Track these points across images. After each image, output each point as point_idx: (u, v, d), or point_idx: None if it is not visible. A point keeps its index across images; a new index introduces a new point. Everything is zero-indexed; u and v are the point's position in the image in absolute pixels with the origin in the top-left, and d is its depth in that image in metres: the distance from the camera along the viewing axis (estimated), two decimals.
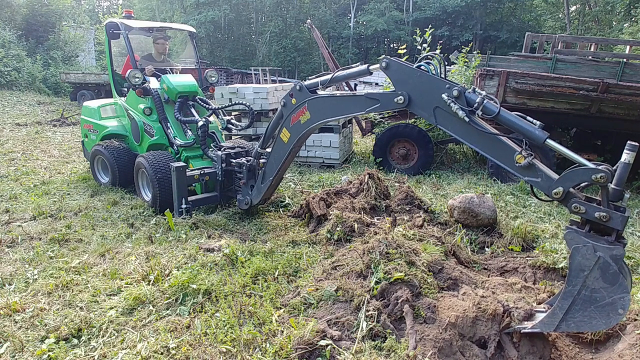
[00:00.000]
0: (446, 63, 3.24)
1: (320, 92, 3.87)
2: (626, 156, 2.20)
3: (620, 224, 2.22)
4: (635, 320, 2.76)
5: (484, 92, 2.72)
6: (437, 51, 8.90)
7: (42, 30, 22.58)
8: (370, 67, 3.46)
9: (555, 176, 2.44)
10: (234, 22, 38.94)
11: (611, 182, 2.24)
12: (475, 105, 2.68)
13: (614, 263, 2.18)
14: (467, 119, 2.70)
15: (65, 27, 24.07)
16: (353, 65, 3.75)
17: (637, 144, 2.23)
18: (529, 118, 2.60)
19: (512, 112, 2.66)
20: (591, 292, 2.24)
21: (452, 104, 2.73)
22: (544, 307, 2.61)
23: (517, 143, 2.61)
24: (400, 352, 2.48)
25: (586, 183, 2.34)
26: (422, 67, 3.06)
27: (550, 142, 2.49)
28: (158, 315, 2.94)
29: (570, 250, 2.31)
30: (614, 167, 2.25)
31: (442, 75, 3.06)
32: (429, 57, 3.16)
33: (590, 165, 2.30)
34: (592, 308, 2.25)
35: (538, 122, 2.55)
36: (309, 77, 3.99)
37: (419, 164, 7.31)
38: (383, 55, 3.21)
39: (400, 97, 3.05)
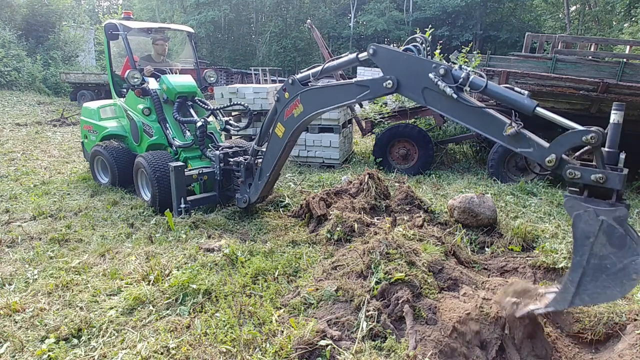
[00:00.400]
0: (429, 43, 3.26)
1: (311, 84, 3.89)
2: (614, 116, 2.18)
3: (619, 183, 2.15)
4: (635, 320, 2.77)
5: (469, 68, 2.74)
6: (437, 51, 8.94)
7: (42, 30, 22.57)
8: (359, 55, 3.47)
9: (547, 144, 2.39)
10: (234, 22, 38.94)
11: (604, 146, 2.19)
12: (461, 80, 2.69)
13: (618, 225, 2.08)
14: (455, 96, 2.71)
15: (65, 27, 24.07)
16: (342, 55, 3.77)
17: (623, 103, 2.22)
18: (516, 88, 2.58)
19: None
20: (600, 259, 2.11)
21: (439, 82, 2.75)
22: (555, 287, 2.45)
23: (506, 116, 2.58)
24: (401, 352, 2.48)
25: (582, 151, 2.29)
26: (409, 51, 3.08)
27: (540, 110, 2.46)
28: (158, 315, 2.94)
29: (572, 218, 2.20)
30: (605, 130, 2.20)
31: (428, 57, 3.06)
32: (414, 39, 3.18)
33: (580, 127, 2.25)
34: (604, 277, 2.12)
35: (526, 92, 2.53)
36: (301, 71, 4.00)
37: (419, 164, 7.31)
38: (371, 44, 3.23)
39: (389, 81, 3.07)
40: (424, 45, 3.12)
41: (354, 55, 3.54)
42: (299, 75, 3.92)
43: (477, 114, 2.70)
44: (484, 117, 2.67)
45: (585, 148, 2.28)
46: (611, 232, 2.09)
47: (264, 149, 4.61)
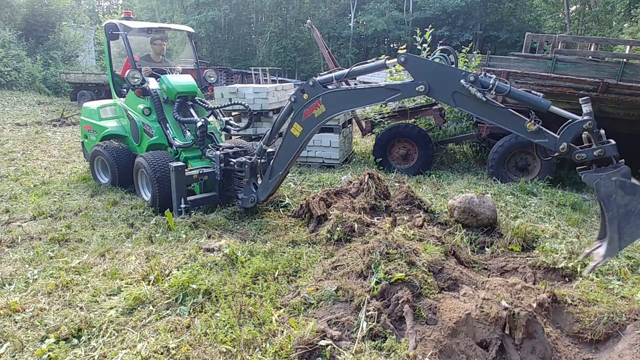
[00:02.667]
0: (456, 56, 3.71)
1: (330, 86, 4.02)
2: (586, 108, 2.94)
3: (613, 151, 2.85)
4: (635, 320, 2.77)
5: (494, 76, 3.25)
6: (437, 51, 8.93)
7: (42, 30, 22.56)
8: (387, 62, 3.73)
9: (558, 135, 3.02)
10: (234, 22, 38.94)
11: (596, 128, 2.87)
12: (490, 86, 3.20)
13: (627, 178, 2.77)
14: (484, 99, 3.20)
15: (65, 27, 24.05)
16: (369, 60, 3.95)
17: (588, 97, 2.94)
18: (533, 91, 3.18)
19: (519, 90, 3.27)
20: (625, 207, 2.76)
21: (470, 88, 3.22)
22: (597, 244, 3.02)
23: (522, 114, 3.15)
24: (401, 352, 2.48)
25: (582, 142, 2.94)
26: (437, 60, 3.50)
27: (554, 108, 3.07)
28: (158, 315, 2.94)
29: (594, 187, 2.87)
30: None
31: (455, 65, 3.52)
32: (444, 50, 3.60)
33: (579, 118, 2.95)
34: (633, 218, 2.77)
35: (541, 94, 3.14)
36: (321, 73, 4.09)
37: (419, 164, 7.31)
38: (401, 51, 3.60)
39: (422, 86, 3.45)
40: (451, 55, 3.55)
41: (381, 61, 3.81)
42: (319, 78, 4.04)
43: (503, 113, 3.24)
44: (509, 116, 3.22)
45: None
46: (624, 185, 2.76)
47: (271, 149, 4.68)
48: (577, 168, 3.04)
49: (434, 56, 3.58)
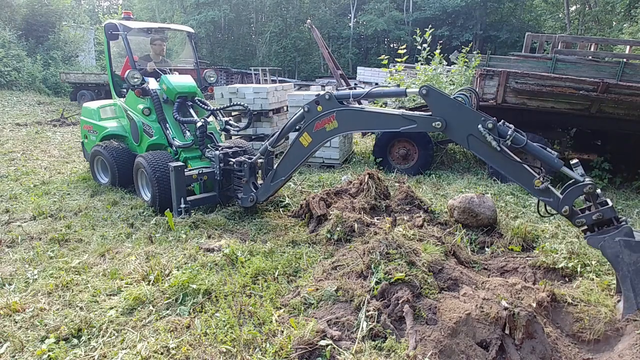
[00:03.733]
0: (478, 97, 3.65)
1: (346, 103, 4.02)
2: (579, 171, 2.98)
3: (612, 212, 2.90)
4: (635, 320, 2.77)
5: (512, 126, 3.17)
6: (437, 51, 8.94)
7: (42, 30, 22.56)
8: (407, 90, 3.79)
9: (561, 196, 3.03)
10: (234, 22, 38.95)
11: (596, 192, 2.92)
12: (508, 137, 3.13)
13: (629, 237, 2.79)
14: (499, 149, 3.14)
15: (65, 27, 24.05)
16: (390, 85, 3.97)
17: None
18: (548, 149, 3.17)
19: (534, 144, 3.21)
20: (634, 264, 2.76)
21: (487, 135, 3.15)
22: (617, 299, 3.08)
23: (532, 169, 3.17)
24: (401, 352, 2.48)
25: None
26: (459, 98, 3.46)
27: (564, 169, 3.08)
28: (158, 315, 2.94)
29: (600, 249, 2.90)
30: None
31: (474, 107, 3.49)
32: (469, 89, 3.58)
33: (581, 181, 2.97)
34: None
35: (555, 153, 3.14)
36: (339, 88, 4.10)
37: (419, 164, 7.31)
38: (423, 85, 3.55)
39: (439, 122, 3.36)
40: (473, 96, 3.55)
41: (402, 89, 3.92)
42: (337, 92, 4.02)
43: (515, 166, 3.19)
44: (520, 170, 3.18)
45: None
46: (629, 244, 2.77)
47: (275, 150, 4.72)
48: (582, 230, 3.06)
49: (456, 93, 3.56)
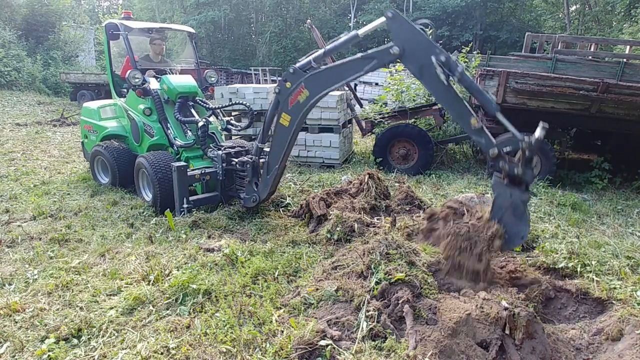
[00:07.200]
0: (435, 31, 3.69)
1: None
2: (539, 132, 2.95)
3: (530, 179, 3.02)
4: (636, 318, 2.76)
5: (463, 65, 3.23)
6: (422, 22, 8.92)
7: (42, 30, 22.55)
8: (361, 31, 3.79)
9: (494, 141, 3.14)
10: (234, 22, 38.92)
11: (529, 151, 2.95)
12: (456, 73, 3.18)
13: (523, 205, 3.03)
14: (445, 83, 3.22)
15: (65, 27, 24.05)
16: (341, 35, 3.99)
17: (546, 125, 2.97)
18: (489, 93, 3.30)
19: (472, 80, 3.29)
20: (504, 225, 3.08)
21: (437, 67, 3.20)
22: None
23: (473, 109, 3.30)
24: (401, 352, 2.48)
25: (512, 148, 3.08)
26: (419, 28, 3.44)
27: (499, 115, 3.12)
28: (158, 315, 2.94)
29: (494, 194, 3.16)
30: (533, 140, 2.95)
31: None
32: (424, 24, 3.56)
33: (519, 136, 3.00)
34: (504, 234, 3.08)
35: (494, 98, 3.25)
36: (299, 60, 4.14)
37: (419, 164, 7.30)
38: (390, 9, 3.62)
39: (396, 47, 3.42)
40: (430, 30, 3.55)
41: (353, 32, 3.83)
42: (298, 64, 4.07)
43: (456, 102, 3.28)
44: (460, 106, 3.27)
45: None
46: (516, 208, 3.04)
47: (265, 146, 4.65)
48: (494, 171, 3.19)
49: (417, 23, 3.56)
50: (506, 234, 3.07)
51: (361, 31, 3.74)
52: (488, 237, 3.10)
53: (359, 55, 3.66)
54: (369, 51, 3.64)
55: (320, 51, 4.00)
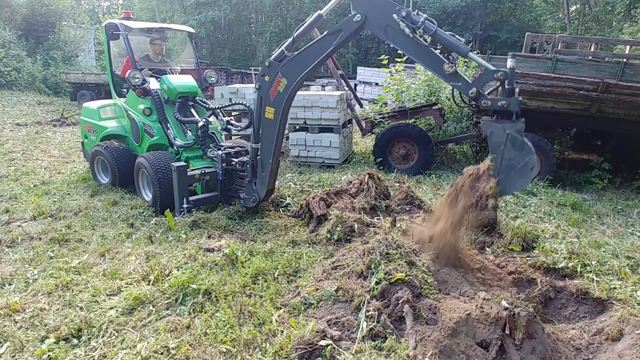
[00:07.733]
0: None
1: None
2: (510, 63, 3.01)
3: (516, 106, 3.00)
4: (636, 318, 2.77)
5: (425, 15, 3.37)
6: (437, 51, 8.93)
7: (42, 30, 22.54)
8: (322, 12, 3.90)
9: (471, 81, 3.22)
10: (234, 22, 38.91)
11: (507, 81, 3.00)
12: (419, 24, 3.33)
13: (519, 135, 2.95)
14: (411, 35, 3.36)
15: (65, 27, 24.04)
16: (306, 20, 4.11)
17: (517, 54, 2.82)
18: (457, 36, 3.32)
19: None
20: (509, 161, 2.98)
21: (400, 22, 3.36)
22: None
23: (445, 57, 3.35)
24: (401, 352, 2.48)
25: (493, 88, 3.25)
26: None
27: (471, 54, 3.25)
28: (158, 315, 2.94)
29: (487, 134, 3.07)
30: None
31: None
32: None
33: (492, 68, 3.10)
34: (513, 173, 3.00)
35: (463, 39, 3.31)
36: (272, 53, 4.23)
37: (419, 164, 7.30)
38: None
39: (358, 15, 3.58)
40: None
41: (317, 13, 3.99)
42: (272, 56, 4.22)
43: (426, 52, 3.39)
44: (431, 56, 3.37)
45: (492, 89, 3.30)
46: (515, 140, 2.95)
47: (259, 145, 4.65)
48: (482, 117, 3.24)
49: None
50: (512, 169, 2.99)
51: (324, 10, 3.89)
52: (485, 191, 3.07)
53: (325, 32, 3.84)
54: (335, 27, 3.81)
55: (290, 40, 4.13)
